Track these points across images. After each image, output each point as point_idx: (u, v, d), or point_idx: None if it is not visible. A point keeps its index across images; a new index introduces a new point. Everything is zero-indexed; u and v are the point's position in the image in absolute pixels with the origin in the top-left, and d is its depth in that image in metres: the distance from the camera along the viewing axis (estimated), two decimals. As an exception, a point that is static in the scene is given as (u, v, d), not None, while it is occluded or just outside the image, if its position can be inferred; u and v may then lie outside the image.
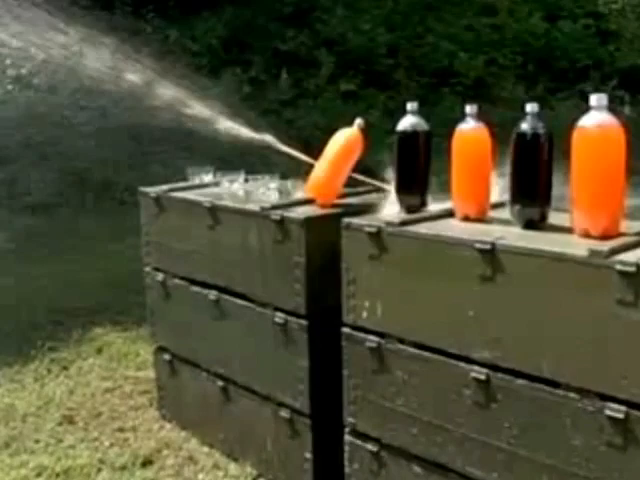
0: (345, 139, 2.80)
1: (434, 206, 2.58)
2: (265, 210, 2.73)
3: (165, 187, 3.24)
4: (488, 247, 2.16)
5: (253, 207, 2.79)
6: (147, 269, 3.36)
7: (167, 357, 3.35)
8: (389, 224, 2.40)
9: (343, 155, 2.79)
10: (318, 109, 8.94)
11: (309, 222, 2.62)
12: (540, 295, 2.10)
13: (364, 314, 2.49)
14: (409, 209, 2.55)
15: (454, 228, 2.37)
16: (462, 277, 2.24)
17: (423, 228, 2.36)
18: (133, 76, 9.08)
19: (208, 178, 3.33)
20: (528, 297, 2.12)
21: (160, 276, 3.27)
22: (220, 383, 3.07)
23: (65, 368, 4.12)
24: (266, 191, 3.01)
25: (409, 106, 2.55)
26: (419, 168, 2.55)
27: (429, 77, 9.18)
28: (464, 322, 2.25)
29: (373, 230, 2.41)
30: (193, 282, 3.12)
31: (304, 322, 2.68)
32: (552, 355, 2.09)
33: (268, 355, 2.83)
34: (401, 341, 2.43)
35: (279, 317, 2.75)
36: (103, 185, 7.24)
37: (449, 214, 2.49)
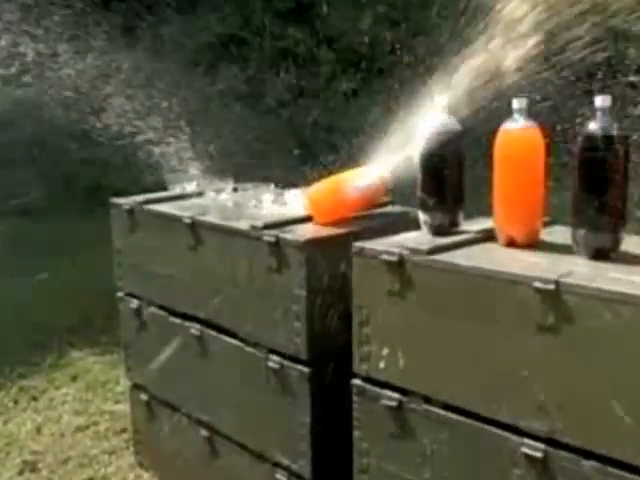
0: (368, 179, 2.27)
1: (467, 226, 2.00)
2: (256, 230, 2.14)
3: (140, 198, 2.65)
4: (551, 287, 1.57)
5: (241, 225, 2.20)
6: (120, 294, 2.77)
7: (144, 397, 2.76)
8: (414, 251, 1.81)
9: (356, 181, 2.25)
10: (318, 108, 8.36)
11: (311, 245, 2.03)
12: (618, 351, 1.52)
13: (381, 364, 1.91)
14: (437, 231, 1.96)
15: (499, 258, 1.78)
16: (513, 324, 1.65)
17: (459, 257, 1.77)
18: (125, 75, 8.52)
19: (191, 187, 2.73)
20: (602, 353, 1.54)
21: (134, 303, 2.68)
22: (204, 433, 2.48)
23: (34, 399, 3.53)
24: (258, 204, 2.42)
25: (437, 101, 1.96)
26: (450, 178, 1.96)
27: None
28: (514, 382, 1.66)
29: (393, 259, 1.83)
30: (172, 312, 2.53)
31: (305, 369, 2.09)
32: (634, 431, 1.50)
33: (261, 406, 2.24)
34: (428, 400, 1.84)
35: (274, 361, 2.16)
36: (92, 189, 6.63)
37: (488, 237, 1.90)
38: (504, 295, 1.65)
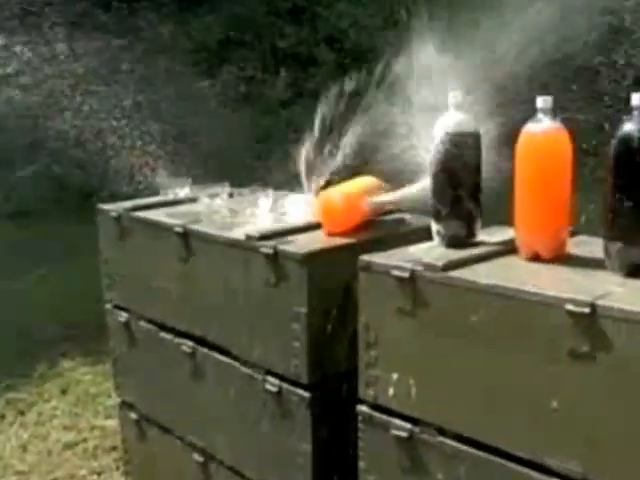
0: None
1: (484, 237, 1.79)
2: (252, 240, 1.93)
3: (128, 204, 2.44)
4: (586, 310, 1.36)
5: (236, 235, 1.99)
6: (108, 306, 2.56)
7: (134, 416, 2.55)
8: (428, 267, 1.60)
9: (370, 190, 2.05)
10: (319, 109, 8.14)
11: (312, 258, 1.83)
12: (663, 382, 1.32)
13: (390, 390, 1.70)
14: (451, 242, 1.75)
15: (523, 275, 1.57)
16: (541, 351, 1.44)
17: (478, 274, 1.56)
18: (123, 75, 8.28)
19: (184, 192, 2.52)
20: (644, 384, 1.34)
21: (123, 316, 2.47)
22: (198, 457, 2.27)
23: (22, 413, 3.32)
24: (255, 210, 2.21)
25: (452, 97, 1.75)
26: (467, 184, 1.76)
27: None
28: (541, 414, 1.46)
29: (405, 275, 1.62)
30: (163, 327, 2.32)
31: (305, 394, 1.88)
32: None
33: (259, 431, 2.03)
34: (442, 432, 1.63)
35: (272, 384, 1.95)
36: (86, 192, 6.41)
37: (509, 250, 1.70)
38: (531, 318, 1.44)
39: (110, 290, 2.52)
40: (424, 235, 1.82)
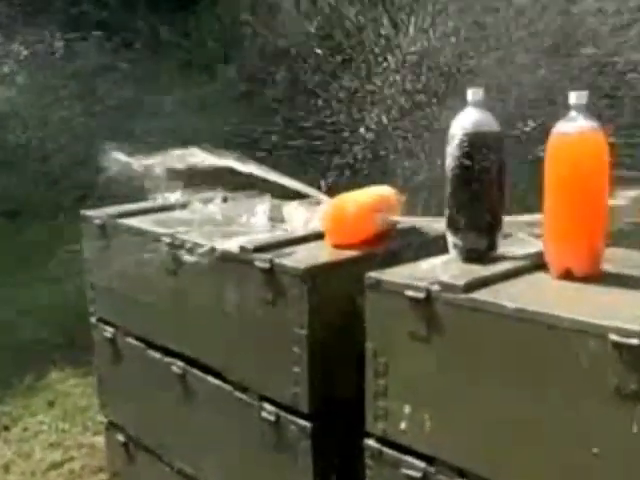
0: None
1: (506, 249, 1.58)
2: (246, 252, 1.72)
3: (113, 209, 2.23)
4: (634, 342, 1.15)
5: (229, 246, 1.77)
6: (93, 320, 2.35)
7: (121, 438, 2.34)
8: (447, 287, 1.38)
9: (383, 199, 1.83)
10: (319, 108, 7.92)
11: (314, 273, 1.61)
12: None
13: (402, 424, 1.48)
14: (470, 256, 1.54)
15: (556, 296, 1.36)
16: (579, 386, 1.23)
17: (504, 296, 1.34)
18: (119, 74, 8.06)
19: (175, 197, 2.31)
20: None
21: (109, 331, 2.26)
22: (188, 486, 2.07)
23: (6, 428, 3.10)
24: (251, 217, 2.00)
25: (471, 94, 1.54)
26: (487, 190, 1.54)
27: (438, 74, 8.15)
28: (577, 460, 1.25)
29: (420, 295, 1.40)
30: (151, 345, 2.10)
31: (306, 424, 1.66)
32: None
33: (254, 463, 1.82)
34: (460, 473, 1.42)
35: (269, 412, 1.73)
36: (81, 192, 6.17)
37: (537, 266, 1.48)
38: (567, 349, 1.23)
39: (94, 302, 2.31)
40: (438, 246, 1.61)
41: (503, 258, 1.53)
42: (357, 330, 1.54)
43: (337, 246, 1.71)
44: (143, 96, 7.16)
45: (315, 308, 1.60)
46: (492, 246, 1.55)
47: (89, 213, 2.24)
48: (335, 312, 1.61)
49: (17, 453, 2.91)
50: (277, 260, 1.64)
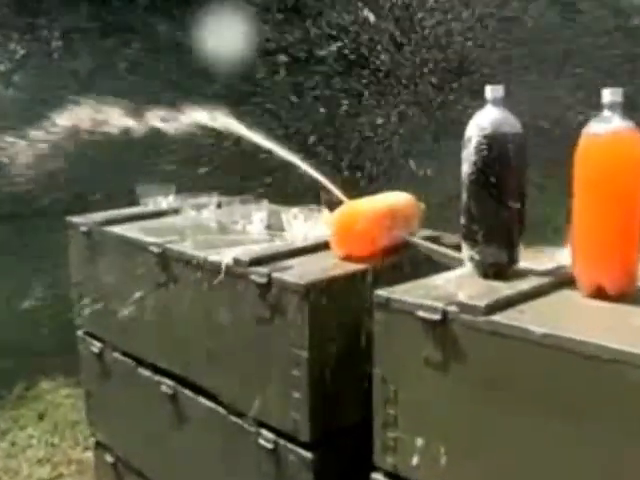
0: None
1: (528, 263, 1.41)
2: (241, 265, 1.55)
3: (100, 215, 2.06)
4: (688, 376, 0.99)
5: (221, 258, 1.60)
6: (79, 333, 2.18)
7: (110, 459, 2.17)
8: (466, 308, 1.22)
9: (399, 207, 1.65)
10: (319, 109, 7.74)
11: (316, 289, 1.44)
12: None
13: (414, 459, 1.32)
14: (488, 271, 1.37)
15: (589, 319, 1.20)
16: (622, 423, 1.07)
17: (531, 319, 1.18)
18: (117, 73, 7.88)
19: (167, 202, 2.15)
20: None
21: (96, 346, 2.09)
22: (180, 513, 1.90)
23: (-6, 442, 2.95)
24: (247, 225, 1.84)
25: (490, 91, 1.37)
26: (508, 198, 1.38)
27: (440, 74, 7.99)
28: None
29: (435, 317, 1.24)
30: (140, 362, 1.94)
31: (307, 454, 1.49)
32: None
33: (250, 492, 1.66)
34: (482, 514, 1.26)
35: (266, 439, 1.57)
36: (78, 194, 6.00)
37: (564, 282, 1.32)
38: (603, 380, 1.07)
39: (81, 315, 2.14)
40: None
41: (525, 273, 1.36)
42: (364, 353, 1.38)
43: (345, 258, 1.54)
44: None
45: (317, 328, 1.43)
46: (513, 260, 1.39)
47: (75, 219, 2.08)
48: (339, 332, 1.44)
49: (4, 469, 2.75)
50: (275, 274, 1.48)
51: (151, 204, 2.13)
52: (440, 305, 1.23)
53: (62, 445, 2.90)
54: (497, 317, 1.19)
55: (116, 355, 2.02)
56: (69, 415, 3.11)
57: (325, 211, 1.74)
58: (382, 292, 1.32)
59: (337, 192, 1.63)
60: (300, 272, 1.49)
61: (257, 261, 1.54)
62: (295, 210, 1.75)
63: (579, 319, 1.20)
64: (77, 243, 2.08)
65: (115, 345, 2.02)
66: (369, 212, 1.56)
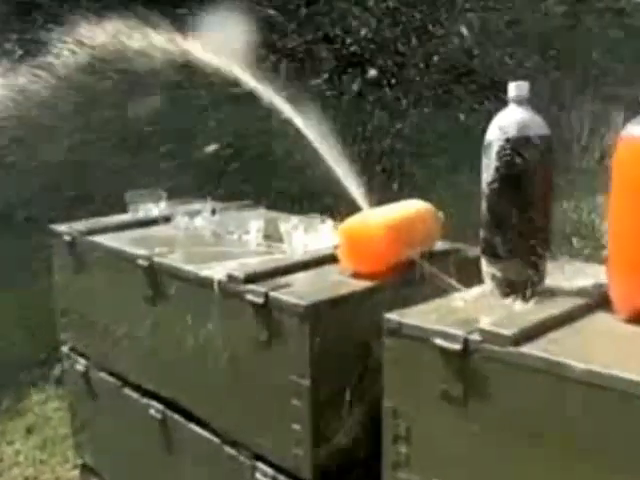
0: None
1: (556, 280, 1.25)
2: (235, 282, 1.39)
3: (85, 224, 1.90)
4: None
5: (214, 274, 1.44)
6: (64, 349, 2.02)
7: (97, 483, 2.01)
8: (491, 336, 1.05)
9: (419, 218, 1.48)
10: (319, 110, 7.58)
11: (319, 311, 1.28)
12: None
13: (429, 504, 1.16)
14: (511, 290, 1.21)
15: (632, 350, 1.04)
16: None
17: (567, 351, 1.02)
18: (115, 72, 7.72)
19: (158, 208, 1.98)
20: None
21: (81, 364, 1.93)
22: None
23: (-20, 460, 2.79)
24: (243, 235, 1.68)
25: (514, 89, 1.21)
26: (534, 209, 1.22)
27: (441, 75, 7.82)
28: None
29: (455, 346, 1.07)
30: (127, 383, 1.78)
31: (309, 492, 1.34)
32: None
33: (245, 531, 1.50)
34: None
35: (264, 473, 1.40)
36: (77, 196, 5.83)
37: (598, 304, 1.16)
38: (661, 428, 0.91)
39: (66, 331, 1.98)
40: (470, 272, 1.29)
41: (554, 293, 1.20)
42: (372, 383, 1.22)
43: (354, 274, 1.37)
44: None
45: (320, 353, 1.26)
46: (539, 278, 1.23)
47: (59, 228, 1.92)
48: (344, 359, 1.28)
49: (-13, 489, 2.60)
50: (273, 293, 1.31)
51: (141, 211, 1.98)
52: (461, 333, 1.07)
53: (50, 462, 2.73)
54: (527, 348, 1.02)
55: (102, 374, 1.86)
56: (58, 429, 2.94)
57: (329, 221, 1.58)
58: (393, 316, 1.15)
59: (358, 196, 1.46)
60: (301, 291, 1.32)
61: (253, 277, 1.38)
62: (295, 220, 1.58)
63: (621, 350, 1.04)
64: (60, 253, 1.91)
65: (101, 363, 1.86)
66: (383, 224, 1.38)
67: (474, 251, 1.42)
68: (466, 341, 1.06)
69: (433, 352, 1.10)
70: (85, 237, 1.82)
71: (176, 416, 1.63)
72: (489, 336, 1.04)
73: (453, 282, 1.30)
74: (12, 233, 5.04)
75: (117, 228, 1.86)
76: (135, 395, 1.74)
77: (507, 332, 1.03)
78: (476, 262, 1.28)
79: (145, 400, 1.71)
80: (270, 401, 1.36)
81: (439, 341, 1.09)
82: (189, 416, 1.59)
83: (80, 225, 1.89)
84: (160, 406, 1.66)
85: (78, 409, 2.03)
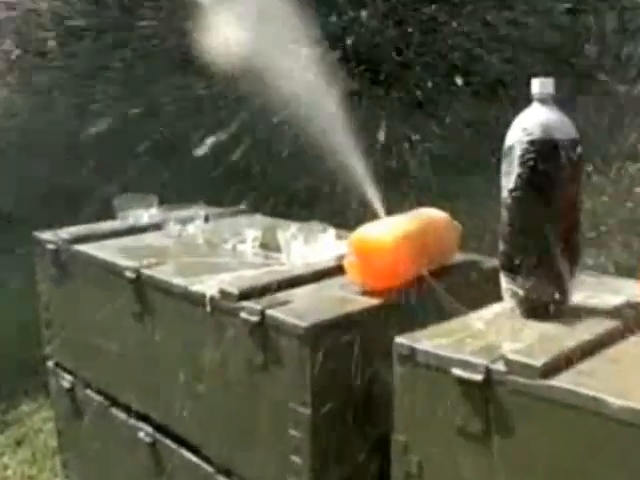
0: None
1: (584, 297, 1.12)
2: (228, 298, 1.26)
3: (71, 231, 1.76)
4: None
5: (205, 290, 1.31)
6: (49, 364, 1.89)
7: (84, 506, 1.88)
8: (518, 367, 0.92)
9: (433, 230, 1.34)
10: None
11: (322, 333, 1.14)
12: None
13: None
14: (534, 310, 1.08)
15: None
16: None
17: (601, 384, 0.88)
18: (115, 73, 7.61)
19: (148, 215, 1.85)
20: None
21: (67, 380, 1.80)
22: None
23: (-34, 475, 2.65)
24: (238, 244, 1.55)
25: (539, 85, 1.08)
26: (561, 219, 1.09)
27: (442, 76, 7.70)
28: None
29: (475, 377, 0.94)
30: (115, 403, 1.65)
31: (310, 531, 1.21)
32: None
33: None
34: None
35: (260, 508, 1.28)
36: (75, 198, 5.70)
37: (633, 326, 1.03)
38: None
39: (51, 344, 1.85)
40: (487, 287, 1.16)
41: (583, 314, 1.07)
42: (380, 413, 1.09)
43: (362, 291, 1.24)
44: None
45: (322, 379, 1.13)
46: (567, 296, 1.10)
47: (42, 235, 1.78)
48: (349, 386, 1.15)
49: (-26, 507, 2.46)
50: (270, 312, 1.18)
51: (130, 217, 1.84)
52: (482, 362, 0.94)
53: (40, 477, 2.60)
54: (557, 381, 0.89)
55: (89, 392, 1.72)
56: (49, 441, 2.80)
57: (330, 230, 1.45)
58: (405, 340, 1.02)
59: (377, 204, 1.33)
60: (301, 308, 1.19)
61: (248, 293, 1.24)
62: (294, 228, 1.45)
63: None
64: (45, 262, 1.78)
65: (87, 380, 1.72)
66: (397, 235, 1.24)
67: (492, 262, 1.30)
68: (488, 371, 0.93)
69: (450, 382, 0.97)
70: (70, 246, 1.68)
71: (167, 440, 1.49)
72: (515, 366, 0.91)
73: (469, 300, 1.17)
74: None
75: (104, 236, 1.72)
76: (124, 416, 1.61)
77: (535, 362, 0.90)
78: (494, 274, 1.16)
79: (134, 422, 1.57)
80: (267, 429, 1.22)
81: (457, 371, 0.96)
82: (181, 441, 1.46)
83: (65, 232, 1.76)
84: (150, 429, 1.53)
85: (64, 428, 1.90)
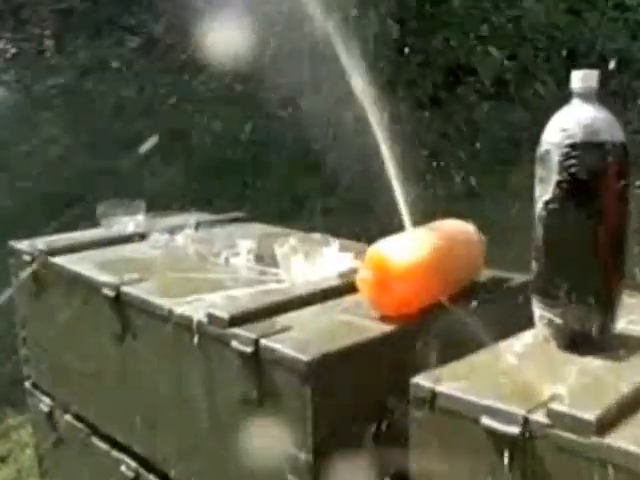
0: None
1: (627, 323, 0.95)
2: (217, 324, 1.09)
3: (48, 241, 1.59)
4: None
5: (192, 312, 1.14)
6: (27, 384, 1.72)
7: (65, 538, 1.71)
8: (564, 420, 0.76)
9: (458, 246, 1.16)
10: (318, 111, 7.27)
11: (325, 367, 0.97)
12: None
13: None
14: (576, 342, 0.92)
15: None
16: None
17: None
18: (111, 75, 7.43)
19: (134, 223, 1.68)
20: None
21: (46, 403, 1.63)
22: None
23: (-53, 495, 2.48)
24: (231, 257, 1.38)
25: (580, 79, 0.91)
26: (606, 237, 0.92)
27: (442, 75, 7.52)
28: None
29: (511, 430, 0.78)
30: (96, 431, 1.48)
31: None
32: None
33: None
34: None
35: None
36: (73, 202, 5.52)
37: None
38: None
39: (28, 364, 1.68)
40: (516, 311, 1.00)
41: (629, 343, 0.91)
42: (393, 461, 0.92)
43: (372, 315, 1.06)
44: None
45: (324, 420, 0.96)
46: (609, 325, 0.93)
47: (18, 245, 1.61)
48: (357, 430, 0.98)
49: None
50: (265, 341, 1.01)
51: (115, 226, 1.68)
52: (519, 411, 0.77)
53: (24, 497, 2.44)
54: (615, 438, 0.72)
55: (67, 418, 1.55)
56: (35, 458, 2.65)
57: (334, 242, 1.28)
58: (425, 381, 0.85)
59: (404, 211, 1.15)
60: (301, 337, 1.02)
61: (241, 317, 1.07)
62: (293, 241, 1.27)
63: None
64: (20, 274, 1.61)
65: (66, 405, 1.55)
66: (422, 258, 1.06)
67: (520, 279, 1.13)
68: (527, 422, 0.76)
69: (479, 433, 0.80)
70: (47, 257, 1.51)
71: (151, 476, 1.32)
72: (563, 420, 0.74)
73: (497, 325, 1.00)
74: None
75: (85, 246, 1.55)
76: (105, 446, 1.43)
77: (588, 416, 0.73)
78: (524, 293, 0.99)
79: (116, 454, 1.40)
80: (262, 474, 1.05)
81: (487, 420, 0.79)
82: (166, 477, 1.29)
83: (43, 242, 1.58)
84: (133, 463, 1.36)
85: (44, 455, 1.73)
